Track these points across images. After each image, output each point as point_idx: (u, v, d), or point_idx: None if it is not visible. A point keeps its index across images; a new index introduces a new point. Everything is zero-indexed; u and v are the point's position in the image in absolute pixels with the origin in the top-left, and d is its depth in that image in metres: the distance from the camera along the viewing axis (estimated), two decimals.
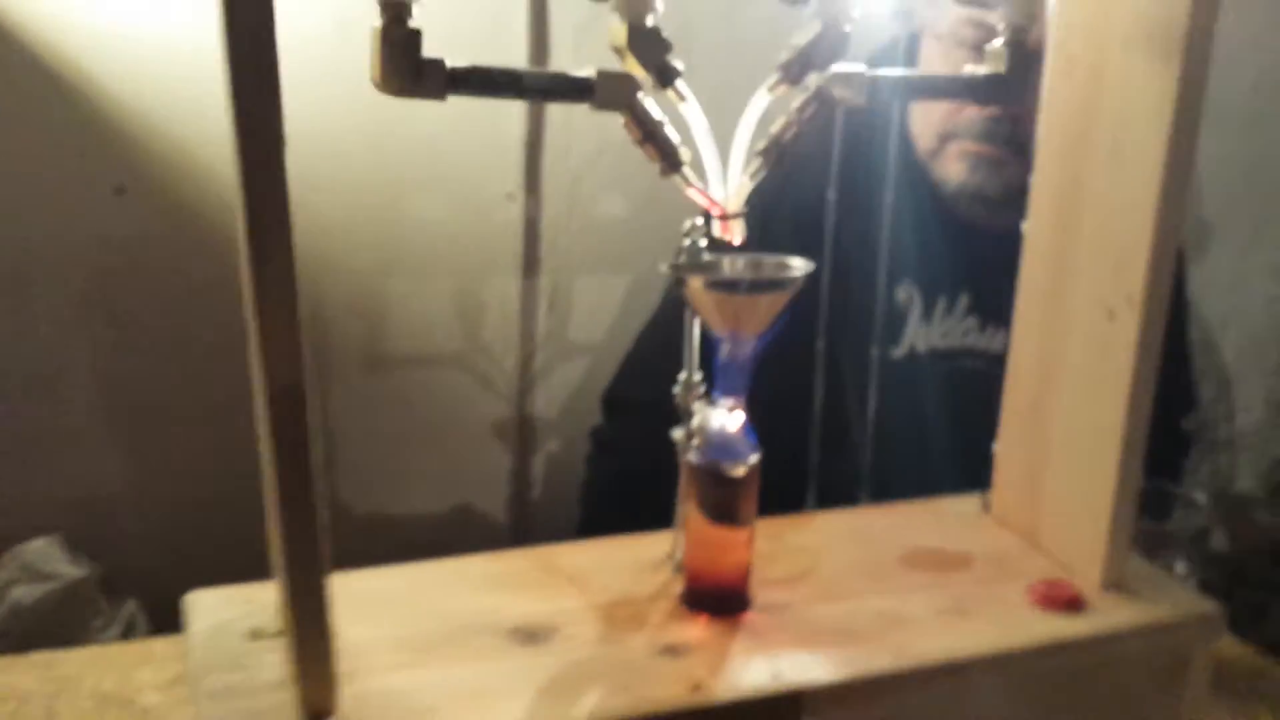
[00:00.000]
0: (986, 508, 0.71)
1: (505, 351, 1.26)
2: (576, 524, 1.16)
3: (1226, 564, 1.14)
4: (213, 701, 0.49)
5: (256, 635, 0.54)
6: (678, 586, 0.60)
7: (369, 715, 0.48)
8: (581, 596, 0.59)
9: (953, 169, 0.97)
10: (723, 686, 0.52)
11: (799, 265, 0.52)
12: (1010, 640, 0.57)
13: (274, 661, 0.52)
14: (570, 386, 1.30)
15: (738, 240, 0.53)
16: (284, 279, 0.42)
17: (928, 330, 1.03)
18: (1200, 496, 0.80)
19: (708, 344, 0.56)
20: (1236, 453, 1.65)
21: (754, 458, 0.55)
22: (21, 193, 1.03)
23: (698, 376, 0.57)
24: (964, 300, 1.03)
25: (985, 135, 0.95)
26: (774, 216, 0.91)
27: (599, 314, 1.29)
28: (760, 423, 0.56)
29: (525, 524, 1.35)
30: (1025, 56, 0.56)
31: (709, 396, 0.56)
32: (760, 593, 0.59)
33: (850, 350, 0.98)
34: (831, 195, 0.90)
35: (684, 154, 0.51)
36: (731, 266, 0.53)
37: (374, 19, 0.44)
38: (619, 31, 0.47)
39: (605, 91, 0.46)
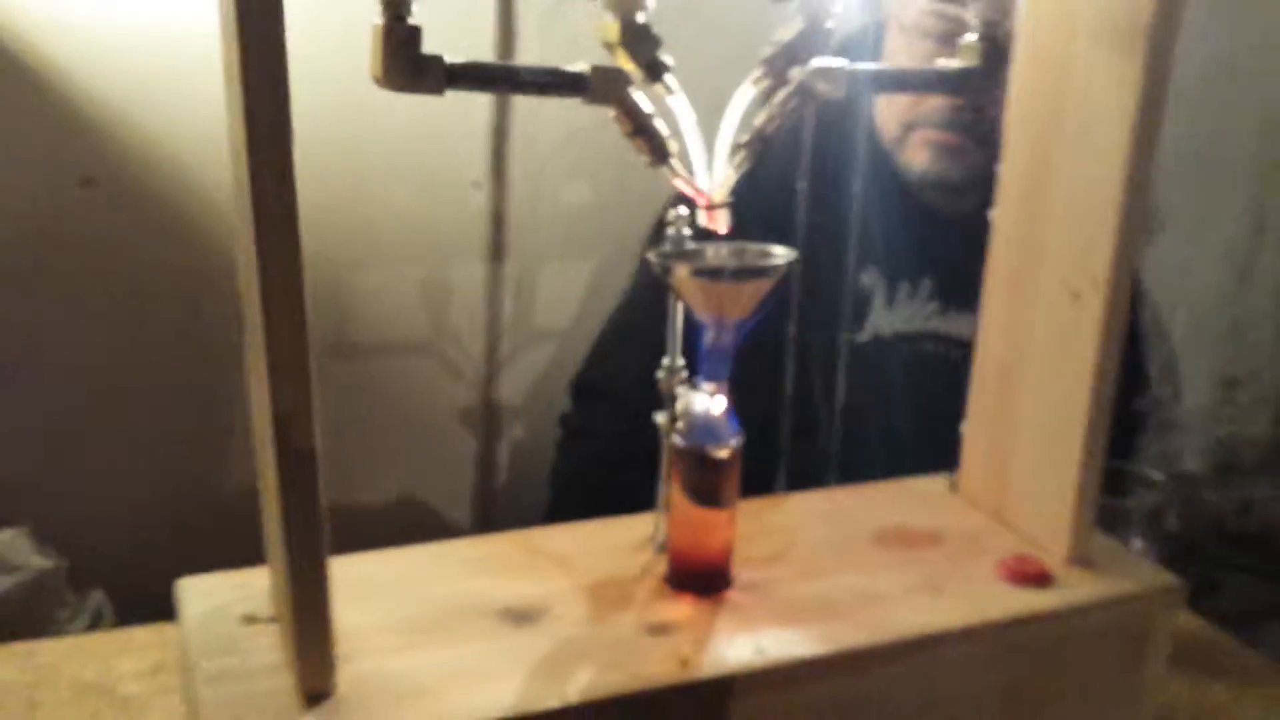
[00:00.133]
0: (954, 487, 0.73)
1: (471, 338, 1.27)
2: (545, 509, 1.17)
3: (1178, 541, 1.18)
4: (210, 685, 0.49)
5: (250, 620, 0.54)
6: (661, 567, 0.61)
7: (366, 696, 0.49)
8: (568, 578, 0.60)
9: (917, 157, 0.99)
10: (710, 662, 0.53)
11: (782, 253, 0.54)
12: (981, 614, 0.59)
13: (269, 645, 0.52)
14: (536, 372, 1.31)
15: (724, 229, 0.54)
16: (290, 276, 0.42)
17: (891, 314, 1.05)
18: (1157, 475, 0.83)
19: (687, 329, 0.58)
20: (1184, 433, 1.70)
21: (736, 440, 0.57)
22: None
23: (680, 361, 0.58)
24: (927, 285, 1.05)
25: (948, 124, 0.97)
26: (743, 204, 0.92)
27: (565, 300, 1.30)
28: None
29: (490, 510, 1.36)
30: (999, 50, 0.58)
31: (690, 381, 0.57)
32: (740, 572, 0.61)
33: (816, 334, 1.00)
34: (801, 184, 0.92)
35: (672, 146, 0.52)
36: (716, 254, 0.55)
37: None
38: (611, 28, 0.48)
39: (598, 86, 0.47)
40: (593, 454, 1.11)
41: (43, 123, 1.01)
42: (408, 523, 1.30)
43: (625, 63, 0.49)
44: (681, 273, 0.53)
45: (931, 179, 0.99)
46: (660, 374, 0.58)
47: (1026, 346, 0.66)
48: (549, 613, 0.57)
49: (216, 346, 1.12)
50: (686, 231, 0.54)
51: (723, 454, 0.56)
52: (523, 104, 1.18)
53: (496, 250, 1.24)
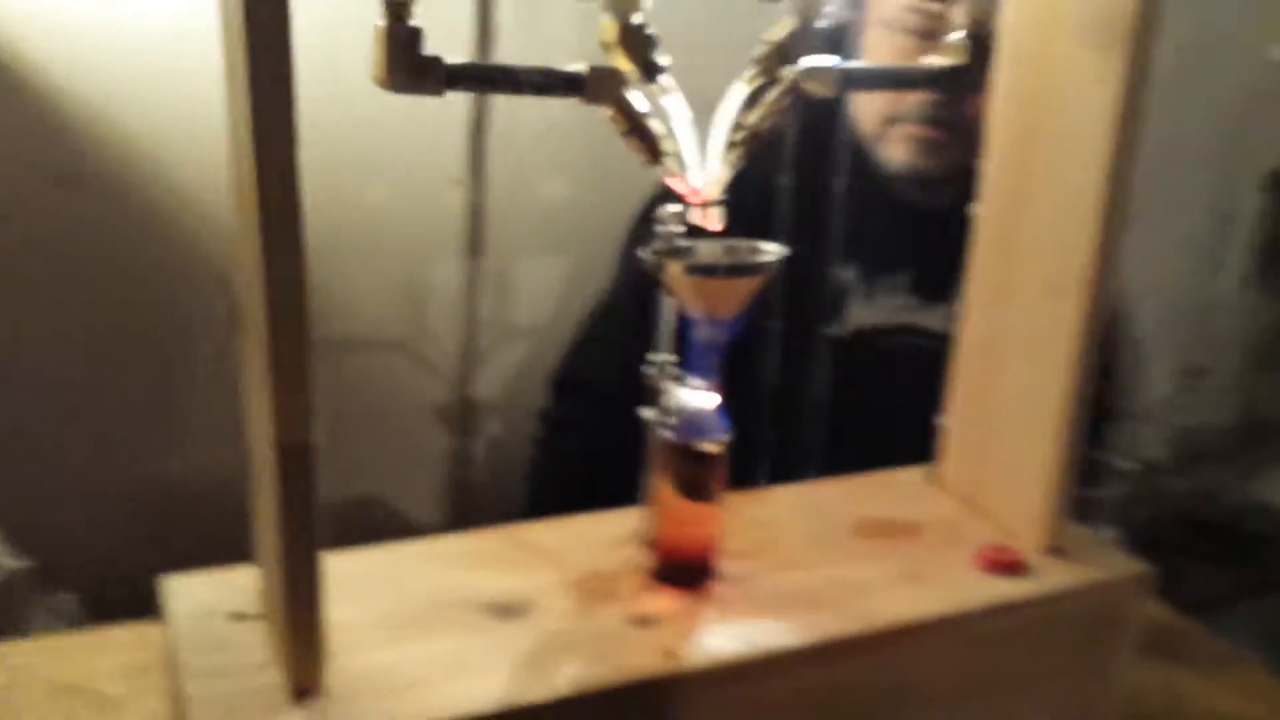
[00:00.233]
0: (932, 479, 0.74)
1: (449, 334, 1.26)
2: (523, 504, 1.17)
3: (1143, 530, 1.20)
4: (200, 682, 0.49)
5: (238, 618, 0.54)
6: (645, 560, 0.62)
7: (355, 691, 0.50)
8: (554, 572, 0.60)
9: (896, 151, 1.00)
10: (695, 653, 0.54)
11: (773, 250, 0.54)
12: (960, 603, 0.60)
13: (257, 642, 0.52)
14: (513, 368, 1.31)
15: (717, 226, 0.55)
16: (294, 267, 0.42)
17: (869, 308, 1.06)
18: (1127, 465, 0.85)
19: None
20: (1148, 423, 1.72)
21: (726, 435, 0.57)
22: None
23: (670, 357, 0.59)
24: (905, 278, 1.06)
25: (928, 119, 0.98)
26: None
27: (543, 295, 1.30)
28: None
29: (466, 505, 1.35)
30: (986, 48, 0.59)
31: (679, 376, 0.58)
32: (723, 564, 0.62)
33: (795, 328, 1.00)
34: (785, 178, 0.92)
35: (666, 145, 0.53)
36: (708, 252, 0.55)
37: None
38: (609, 28, 0.49)
39: (595, 86, 0.48)
40: (573, 449, 1.12)
41: (18, 120, 1.00)
42: (383, 519, 1.30)
43: (622, 63, 0.49)
44: (674, 270, 0.54)
45: (911, 173, 1.00)
46: (649, 369, 0.59)
47: (1006, 341, 0.67)
48: (535, 606, 0.57)
49: (189, 346, 1.11)
50: (678, 229, 0.55)
51: (713, 449, 0.57)
52: (501, 100, 1.18)
53: (475, 246, 1.24)
